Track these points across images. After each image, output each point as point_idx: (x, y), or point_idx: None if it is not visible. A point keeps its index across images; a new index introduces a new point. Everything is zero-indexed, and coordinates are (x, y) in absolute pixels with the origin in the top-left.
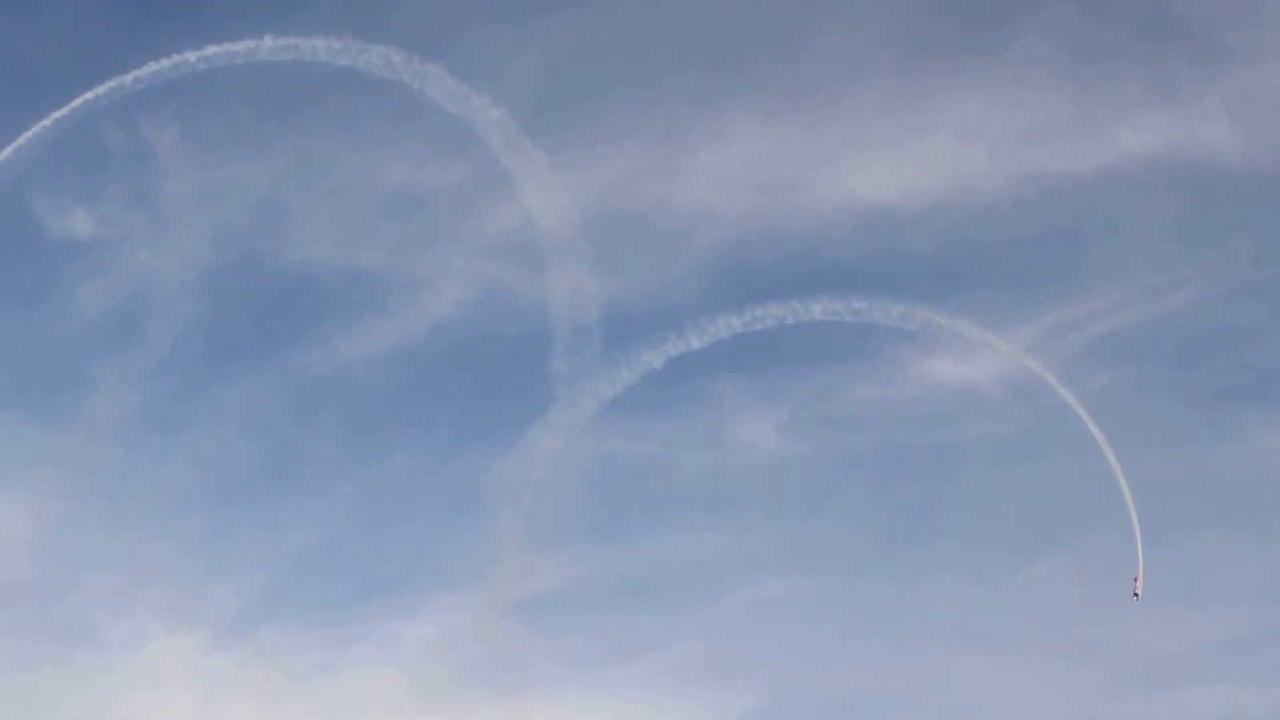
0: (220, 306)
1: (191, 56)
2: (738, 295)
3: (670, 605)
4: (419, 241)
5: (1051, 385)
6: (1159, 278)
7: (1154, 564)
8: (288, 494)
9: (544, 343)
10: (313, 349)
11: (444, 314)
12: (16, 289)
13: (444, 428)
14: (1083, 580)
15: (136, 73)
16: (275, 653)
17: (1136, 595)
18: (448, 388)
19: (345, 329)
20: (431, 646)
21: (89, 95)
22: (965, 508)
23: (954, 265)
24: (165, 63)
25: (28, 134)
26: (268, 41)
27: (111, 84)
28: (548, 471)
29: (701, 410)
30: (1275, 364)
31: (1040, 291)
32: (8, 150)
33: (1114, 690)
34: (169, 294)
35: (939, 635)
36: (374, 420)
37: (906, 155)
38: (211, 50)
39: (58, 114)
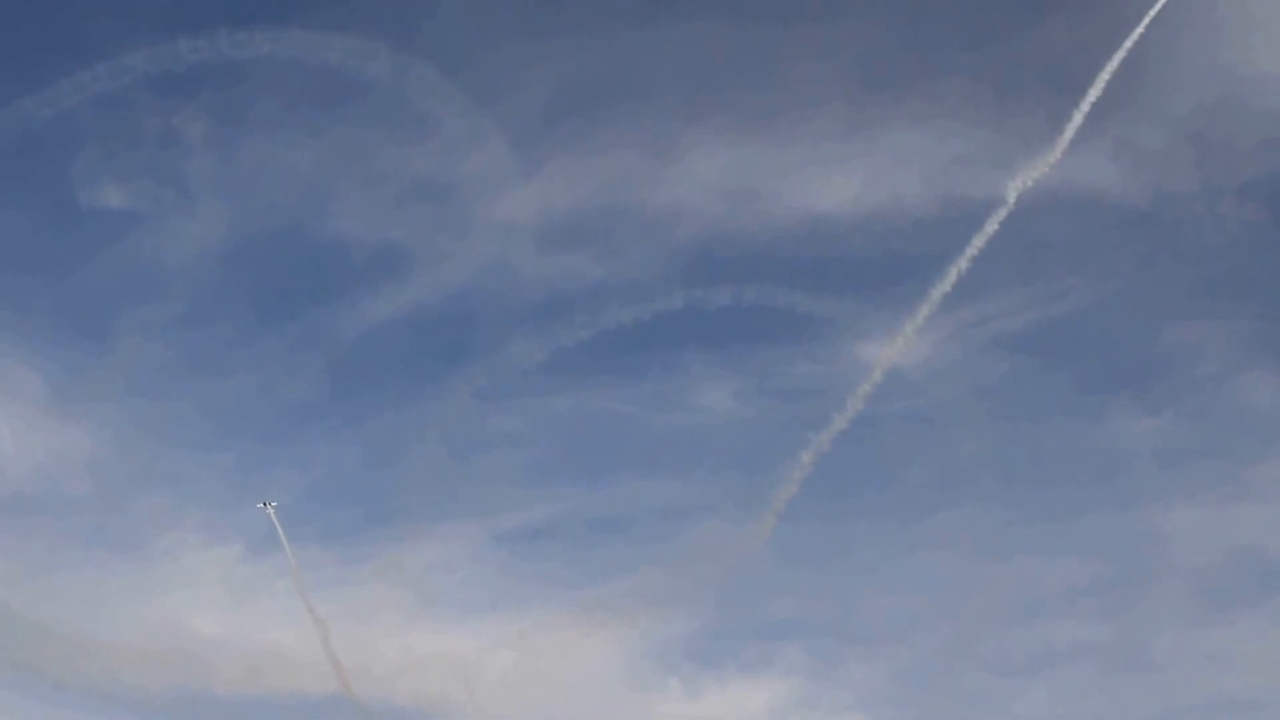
0: (254, 273)
1: (203, 43)
2: (706, 282)
3: (636, 540)
4: (439, 223)
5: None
6: (1051, 287)
7: (1030, 518)
8: (309, 436)
9: (540, 313)
10: (340, 311)
11: (457, 285)
12: (72, 250)
13: (450, 383)
14: (976, 529)
15: (162, 48)
16: (299, 569)
17: None
18: (456, 348)
19: (370, 296)
20: (431, 567)
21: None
22: (885, 468)
23: (887, 268)
24: (193, 42)
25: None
26: (295, 34)
27: (145, 52)
28: (537, 424)
29: (670, 378)
30: (1135, 362)
31: (956, 294)
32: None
33: (996, 619)
34: (198, 262)
35: (859, 570)
36: (388, 374)
37: (853, 174)
38: (223, 36)
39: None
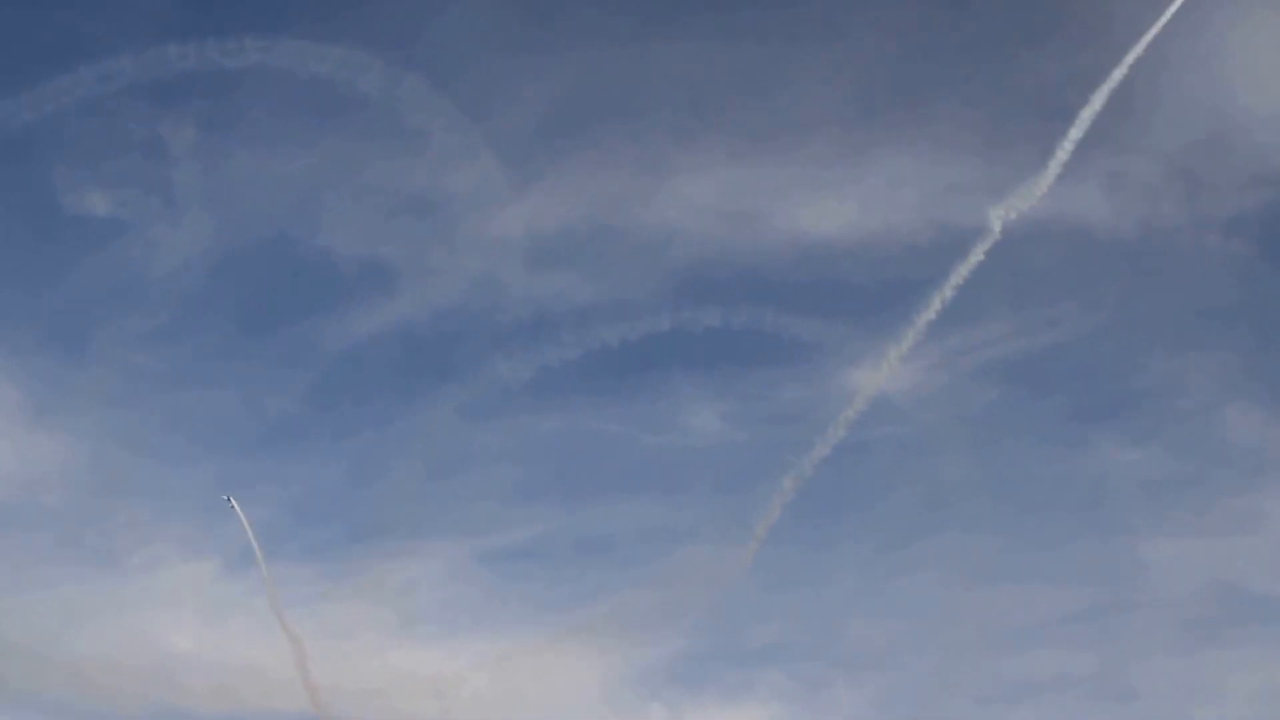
0: (239, 285)
1: (193, 50)
2: (696, 304)
3: (619, 562)
4: (428, 238)
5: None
6: (1040, 316)
7: (1015, 546)
8: (291, 451)
9: (528, 331)
10: (326, 325)
11: (445, 301)
12: (54, 258)
13: (436, 400)
14: (961, 556)
15: (150, 55)
16: (276, 583)
17: None
18: (442, 365)
19: (357, 310)
20: (412, 586)
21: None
22: (870, 494)
23: (878, 294)
24: (182, 49)
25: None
26: (286, 44)
27: (133, 58)
28: (522, 443)
29: (658, 399)
30: (1121, 393)
31: (946, 320)
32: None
33: (980, 646)
34: (182, 272)
35: (843, 595)
36: (373, 390)
37: (847, 199)
38: (213, 44)
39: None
